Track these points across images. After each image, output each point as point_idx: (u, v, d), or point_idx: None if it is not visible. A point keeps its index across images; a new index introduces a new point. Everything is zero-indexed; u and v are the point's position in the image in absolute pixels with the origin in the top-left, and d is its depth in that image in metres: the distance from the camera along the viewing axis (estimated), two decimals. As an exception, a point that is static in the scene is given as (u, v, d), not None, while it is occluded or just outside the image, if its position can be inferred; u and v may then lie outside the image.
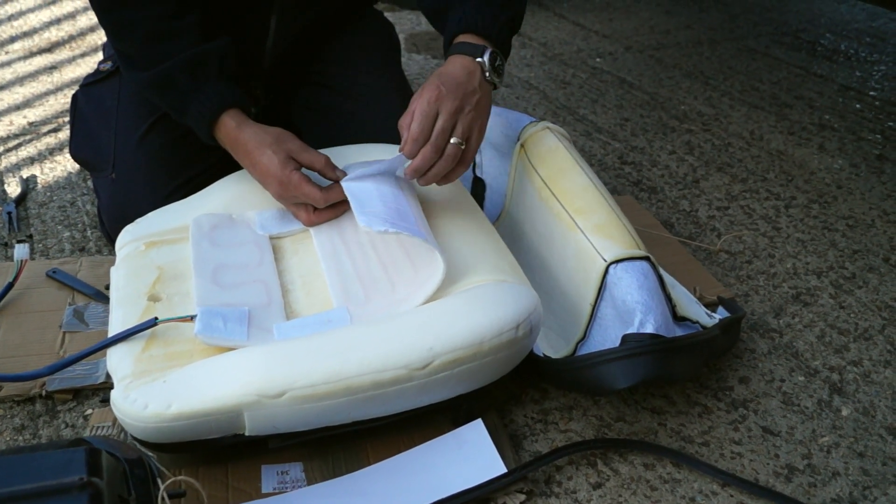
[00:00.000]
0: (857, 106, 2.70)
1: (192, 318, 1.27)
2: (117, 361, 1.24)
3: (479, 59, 1.47)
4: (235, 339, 1.25)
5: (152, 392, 1.18)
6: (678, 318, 1.45)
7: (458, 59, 1.47)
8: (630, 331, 1.31)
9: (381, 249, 1.43)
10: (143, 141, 1.68)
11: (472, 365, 1.25)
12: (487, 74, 1.46)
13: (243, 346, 1.24)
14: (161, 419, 1.15)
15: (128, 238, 1.48)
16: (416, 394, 1.24)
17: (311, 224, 1.49)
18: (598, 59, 3.00)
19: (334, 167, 1.47)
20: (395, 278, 1.37)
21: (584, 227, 1.44)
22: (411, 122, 1.39)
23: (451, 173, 1.43)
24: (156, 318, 1.27)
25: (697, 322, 1.47)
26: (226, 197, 1.55)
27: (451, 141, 1.40)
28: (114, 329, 1.30)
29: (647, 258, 1.40)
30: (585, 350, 1.42)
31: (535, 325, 1.30)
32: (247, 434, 1.21)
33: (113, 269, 1.44)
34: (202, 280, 1.36)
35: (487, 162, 1.77)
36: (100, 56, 2.33)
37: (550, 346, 1.45)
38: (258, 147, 1.47)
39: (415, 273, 1.36)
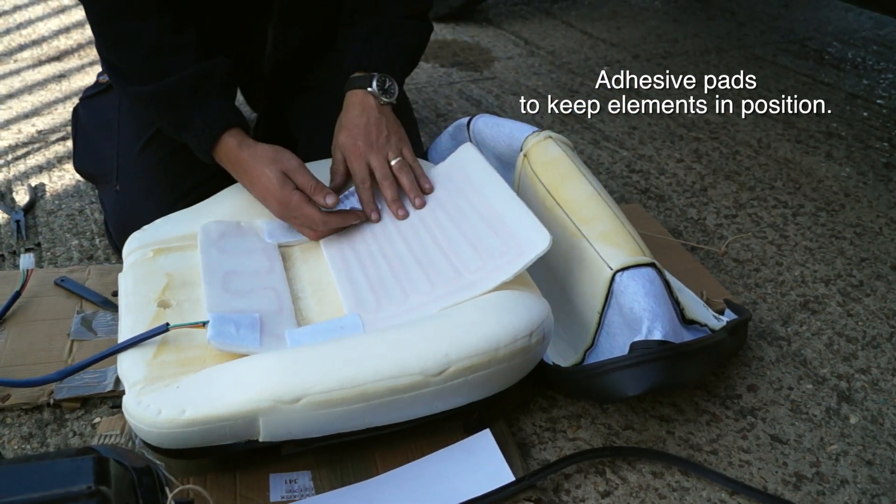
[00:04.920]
0: (865, 114, 2.69)
1: (203, 324, 1.27)
2: (129, 367, 1.24)
3: (369, 90, 1.65)
4: (248, 346, 1.25)
5: (165, 397, 1.17)
6: (687, 321, 1.45)
7: (351, 95, 1.67)
8: (638, 338, 1.31)
9: (392, 259, 1.44)
10: (144, 151, 1.68)
11: (486, 372, 1.25)
12: (382, 100, 1.65)
13: (256, 353, 1.24)
14: (175, 425, 1.15)
15: (135, 245, 1.48)
16: (431, 400, 1.25)
17: (317, 238, 1.51)
18: (606, 68, 3.00)
19: (326, 192, 1.49)
20: (407, 288, 1.38)
21: (590, 235, 1.44)
22: (359, 189, 1.58)
23: (420, 181, 1.60)
24: (167, 324, 1.27)
25: (706, 325, 1.47)
26: (233, 205, 1.55)
27: (393, 163, 1.59)
28: (123, 335, 1.30)
29: (652, 264, 1.40)
30: (594, 358, 1.42)
31: (548, 333, 1.31)
32: (261, 440, 1.21)
33: (121, 276, 1.45)
34: (212, 287, 1.36)
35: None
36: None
37: (559, 354, 1.45)
38: (256, 166, 1.49)
39: (431, 287, 1.37)
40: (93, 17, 1.57)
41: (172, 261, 1.45)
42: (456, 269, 1.39)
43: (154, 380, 1.21)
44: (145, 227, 1.52)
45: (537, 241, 1.35)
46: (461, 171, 1.58)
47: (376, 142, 1.61)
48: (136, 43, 1.53)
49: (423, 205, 1.55)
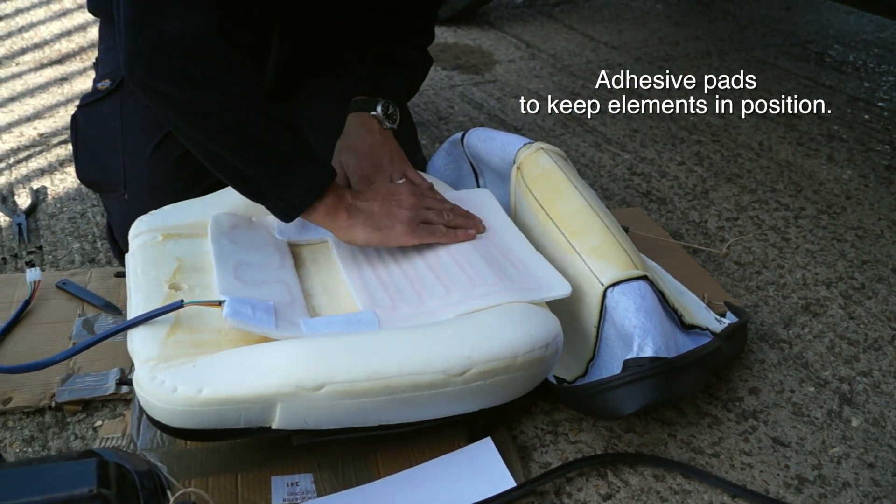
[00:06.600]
0: (866, 116, 2.70)
1: (219, 303, 1.26)
2: (141, 343, 1.23)
3: (373, 113, 1.69)
4: (264, 327, 1.24)
5: (181, 375, 1.17)
6: (686, 327, 1.45)
7: (355, 117, 1.70)
8: (630, 355, 1.32)
9: (404, 264, 1.45)
10: (152, 159, 1.66)
11: (504, 377, 1.26)
12: (385, 124, 1.69)
13: (272, 335, 1.24)
14: (191, 403, 1.14)
15: (143, 228, 1.47)
16: (448, 401, 1.25)
17: (446, 238, 1.49)
18: (607, 70, 3.00)
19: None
20: (422, 293, 1.39)
21: (581, 250, 1.44)
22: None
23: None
24: (182, 301, 1.27)
25: (707, 329, 1.47)
26: (244, 198, 1.53)
27: (399, 183, 1.59)
28: (134, 313, 1.29)
29: (643, 277, 1.40)
30: (596, 370, 1.43)
31: (560, 348, 1.33)
32: (274, 427, 1.20)
33: (128, 256, 1.44)
34: (224, 274, 1.35)
35: (489, 185, 1.76)
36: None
37: (563, 367, 1.45)
38: (382, 189, 1.51)
39: (446, 292, 1.38)
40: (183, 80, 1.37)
41: (182, 246, 1.44)
42: (472, 280, 1.39)
43: (168, 358, 1.20)
44: (153, 211, 1.51)
45: (557, 287, 1.38)
46: (475, 209, 1.59)
47: (380, 164, 1.63)
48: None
49: None
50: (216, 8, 1.37)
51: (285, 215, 1.41)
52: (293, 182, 1.38)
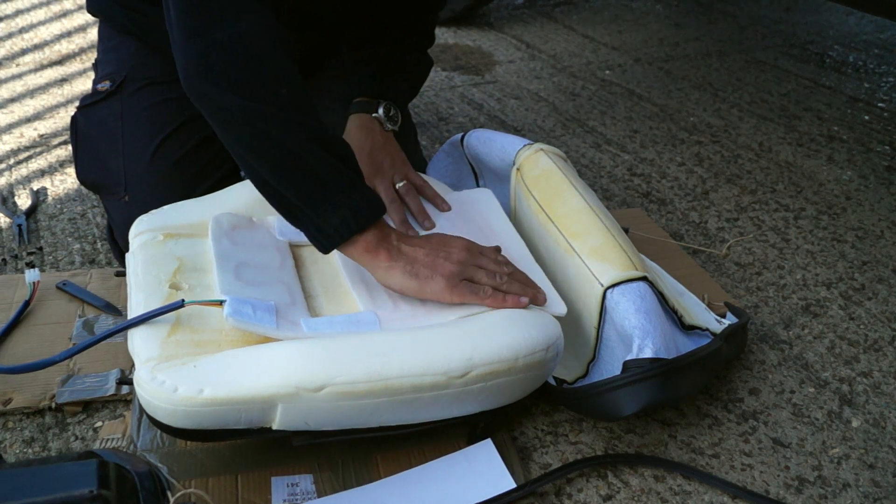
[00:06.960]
0: (866, 117, 2.69)
1: (220, 303, 1.26)
2: (141, 343, 1.23)
3: (374, 115, 1.70)
4: (265, 327, 1.24)
5: (182, 375, 1.16)
6: (686, 328, 1.45)
7: (356, 118, 1.71)
8: (630, 356, 1.32)
9: None
10: (153, 161, 1.66)
11: (504, 380, 1.26)
12: (387, 126, 1.71)
13: (273, 335, 1.24)
14: (191, 403, 1.14)
15: (143, 227, 1.47)
16: (449, 403, 1.25)
17: (491, 301, 1.35)
18: (607, 72, 3.00)
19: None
20: None
21: (581, 250, 1.45)
22: None
23: (436, 201, 1.64)
24: (182, 300, 1.26)
25: (707, 329, 1.47)
26: (245, 199, 1.53)
27: (399, 187, 1.62)
28: (134, 312, 1.29)
29: (643, 278, 1.40)
30: (597, 370, 1.43)
31: (560, 351, 1.33)
32: (274, 428, 1.20)
33: (129, 255, 1.43)
34: (225, 274, 1.34)
35: (489, 186, 1.76)
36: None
37: (564, 368, 1.45)
38: (438, 236, 1.43)
39: None
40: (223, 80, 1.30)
41: (183, 246, 1.43)
42: None
43: (169, 357, 1.20)
44: (153, 211, 1.50)
45: (554, 304, 1.38)
46: (477, 211, 1.60)
47: (381, 166, 1.63)
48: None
49: (433, 227, 1.56)
50: (271, 12, 1.33)
51: (322, 246, 1.33)
52: (330, 210, 1.29)
